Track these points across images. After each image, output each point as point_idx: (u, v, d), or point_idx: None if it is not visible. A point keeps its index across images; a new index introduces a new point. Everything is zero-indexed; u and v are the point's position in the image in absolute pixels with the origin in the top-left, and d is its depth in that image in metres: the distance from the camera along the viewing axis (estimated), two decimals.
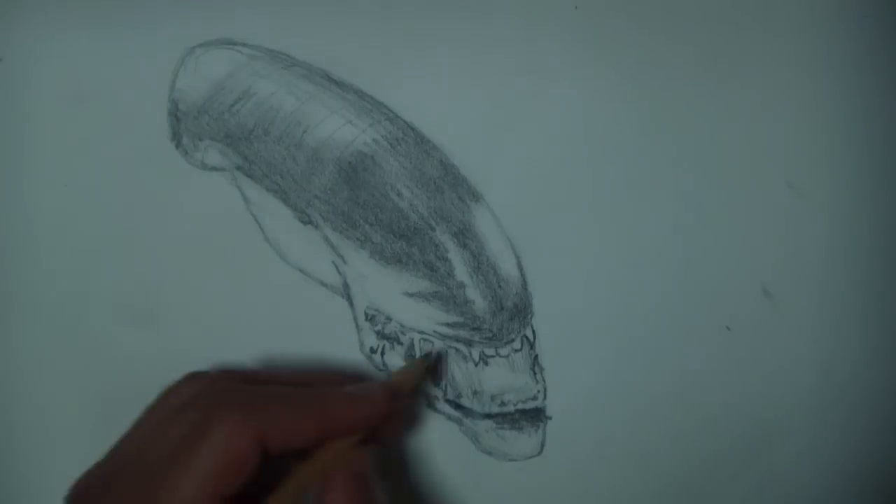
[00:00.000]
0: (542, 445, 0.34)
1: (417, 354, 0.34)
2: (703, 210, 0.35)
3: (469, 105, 0.35)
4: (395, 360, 0.34)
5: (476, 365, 0.34)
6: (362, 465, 0.28)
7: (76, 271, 0.34)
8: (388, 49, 0.35)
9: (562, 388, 0.34)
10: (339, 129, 0.34)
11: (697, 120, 0.35)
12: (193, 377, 0.30)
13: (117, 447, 0.28)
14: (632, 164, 0.35)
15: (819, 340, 0.35)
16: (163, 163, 0.34)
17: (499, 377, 0.34)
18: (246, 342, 0.34)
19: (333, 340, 0.34)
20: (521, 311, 0.34)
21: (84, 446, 0.34)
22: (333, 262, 0.34)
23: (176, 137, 0.34)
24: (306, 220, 0.34)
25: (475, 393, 0.34)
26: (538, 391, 0.34)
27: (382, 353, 0.34)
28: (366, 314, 0.34)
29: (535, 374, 0.34)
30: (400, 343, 0.34)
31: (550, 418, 0.34)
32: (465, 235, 0.34)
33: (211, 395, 0.27)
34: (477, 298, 0.34)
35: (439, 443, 0.34)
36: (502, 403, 0.34)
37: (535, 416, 0.34)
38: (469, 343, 0.34)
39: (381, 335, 0.34)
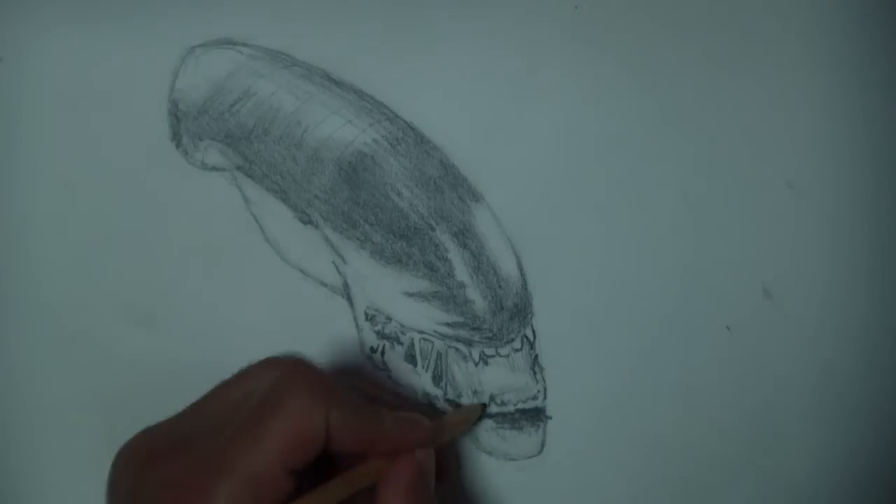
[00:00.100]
0: (542, 445, 0.34)
1: (418, 354, 0.34)
2: (703, 210, 0.35)
3: (469, 105, 0.35)
4: (396, 360, 0.34)
5: (476, 365, 0.34)
6: (427, 458, 0.29)
7: (76, 271, 0.34)
8: (388, 49, 0.35)
9: (562, 388, 0.34)
10: (339, 128, 0.34)
11: (697, 120, 0.35)
12: (268, 363, 0.30)
13: (187, 414, 0.29)
14: (632, 164, 0.35)
15: (819, 340, 0.35)
16: (163, 163, 0.34)
17: (499, 377, 0.34)
18: (246, 342, 0.34)
19: (333, 340, 0.34)
20: (521, 311, 0.34)
21: (85, 446, 0.34)
22: (333, 262, 0.34)
23: (176, 137, 0.34)
24: (306, 220, 0.34)
25: (475, 393, 0.34)
26: (538, 391, 0.34)
27: (382, 353, 0.34)
28: (366, 314, 0.34)
29: (535, 373, 0.34)
30: (400, 343, 0.34)
31: (550, 418, 0.34)
32: (465, 235, 0.34)
33: (287, 373, 0.28)
34: (477, 298, 0.34)
35: None
36: (502, 403, 0.34)
37: (535, 415, 0.34)
38: (469, 343, 0.34)
39: (381, 335, 0.34)
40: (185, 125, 0.34)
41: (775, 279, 0.35)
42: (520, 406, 0.34)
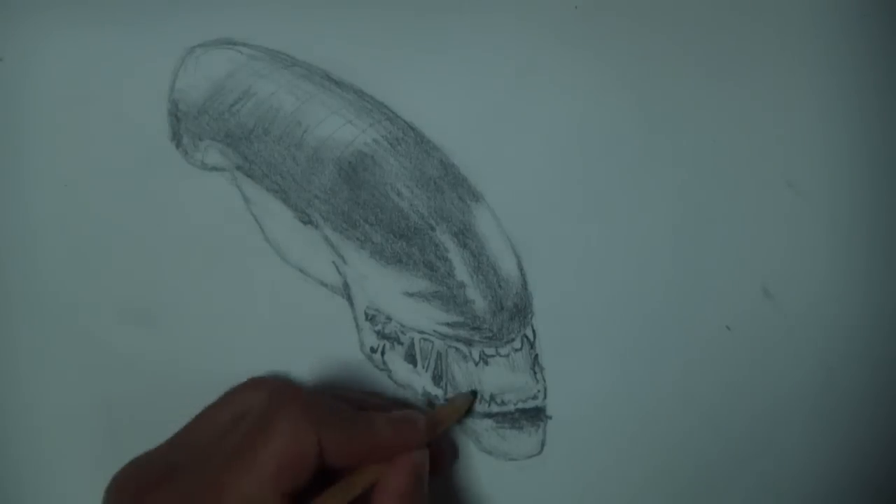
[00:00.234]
0: (543, 445, 0.34)
1: (418, 354, 0.34)
2: (703, 210, 0.35)
3: (469, 105, 0.35)
4: (396, 359, 0.34)
5: (476, 364, 0.34)
6: (422, 459, 0.29)
7: (76, 271, 0.34)
8: (388, 49, 0.35)
9: (562, 388, 0.34)
10: (339, 128, 0.34)
11: (697, 120, 0.35)
12: (253, 384, 0.30)
13: (176, 441, 0.29)
14: (632, 163, 0.35)
15: (819, 340, 0.35)
16: (163, 163, 0.34)
17: (499, 377, 0.34)
18: (246, 342, 0.34)
19: (333, 340, 0.34)
20: (522, 311, 0.34)
21: (85, 447, 0.34)
22: (333, 261, 0.34)
23: (176, 137, 0.34)
24: (306, 220, 0.34)
25: (475, 392, 0.34)
26: (538, 391, 0.34)
27: (382, 353, 0.34)
28: (366, 314, 0.34)
29: (535, 373, 0.34)
30: (400, 343, 0.34)
31: (550, 418, 0.34)
32: (465, 235, 0.34)
33: (272, 395, 0.28)
34: (477, 298, 0.34)
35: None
36: (502, 403, 0.34)
37: (535, 415, 0.34)
38: (469, 343, 0.34)
39: (381, 335, 0.34)
40: (185, 125, 0.34)
41: (775, 279, 0.35)
42: (520, 406, 0.34)
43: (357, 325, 0.34)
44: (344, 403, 0.29)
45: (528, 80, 0.35)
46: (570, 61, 0.35)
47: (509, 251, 0.34)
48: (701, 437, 0.35)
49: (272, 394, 0.28)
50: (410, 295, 0.34)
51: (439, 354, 0.34)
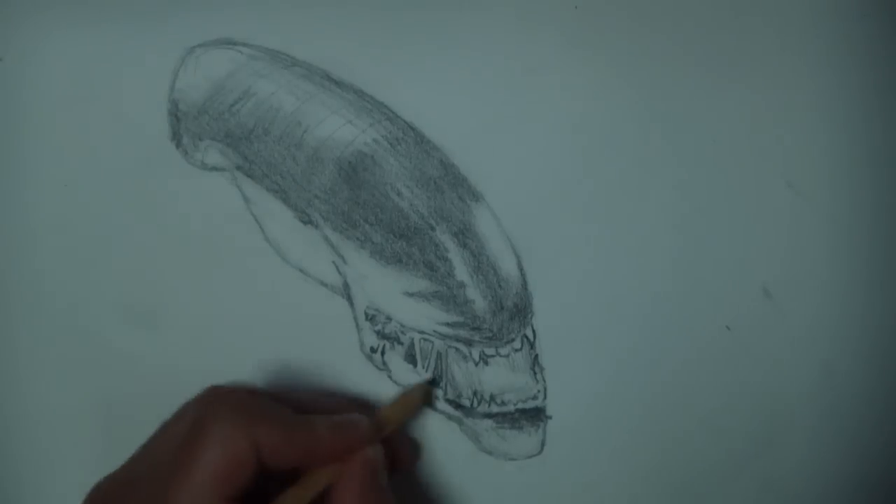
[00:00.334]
0: (543, 445, 0.34)
1: (418, 354, 0.34)
2: (703, 210, 0.35)
3: (469, 105, 0.35)
4: (396, 359, 0.34)
5: (476, 364, 0.34)
6: (375, 454, 0.29)
7: (76, 271, 0.34)
8: (388, 49, 0.35)
9: (562, 388, 0.34)
10: (339, 128, 0.34)
11: (697, 120, 0.35)
12: (209, 390, 0.30)
13: (135, 456, 0.29)
14: (632, 163, 0.35)
15: (819, 340, 0.35)
16: (163, 163, 0.34)
17: (499, 377, 0.34)
18: (246, 342, 0.34)
19: (333, 340, 0.34)
20: (522, 311, 0.34)
21: (85, 447, 0.34)
22: (333, 261, 0.34)
23: (176, 137, 0.34)
24: (306, 220, 0.34)
25: (475, 392, 0.34)
26: (538, 391, 0.34)
27: (382, 353, 0.34)
28: (366, 314, 0.34)
29: (535, 373, 0.34)
30: (400, 343, 0.34)
31: (550, 418, 0.34)
32: (465, 235, 0.34)
33: (206, 402, 0.28)
34: (477, 298, 0.34)
35: (439, 442, 0.34)
36: (502, 403, 0.34)
37: (535, 415, 0.34)
38: (469, 343, 0.34)
39: (381, 335, 0.34)
40: (185, 125, 0.34)
41: (775, 279, 0.35)
42: (520, 406, 0.34)
43: (357, 325, 0.34)
44: (284, 405, 0.29)
45: (528, 80, 0.35)
46: (570, 61, 0.35)
47: (509, 251, 0.34)
48: (701, 437, 0.35)
49: (205, 399, 0.28)
50: (410, 295, 0.34)
51: (439, 354, 0.34)
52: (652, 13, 0.35)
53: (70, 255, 0.34)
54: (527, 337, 0.34)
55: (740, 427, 0.35)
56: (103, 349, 0.34)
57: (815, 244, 0.35)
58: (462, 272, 0.34)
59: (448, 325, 0.34)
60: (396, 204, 0.34)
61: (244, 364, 0.34)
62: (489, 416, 0.34)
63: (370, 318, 0.34)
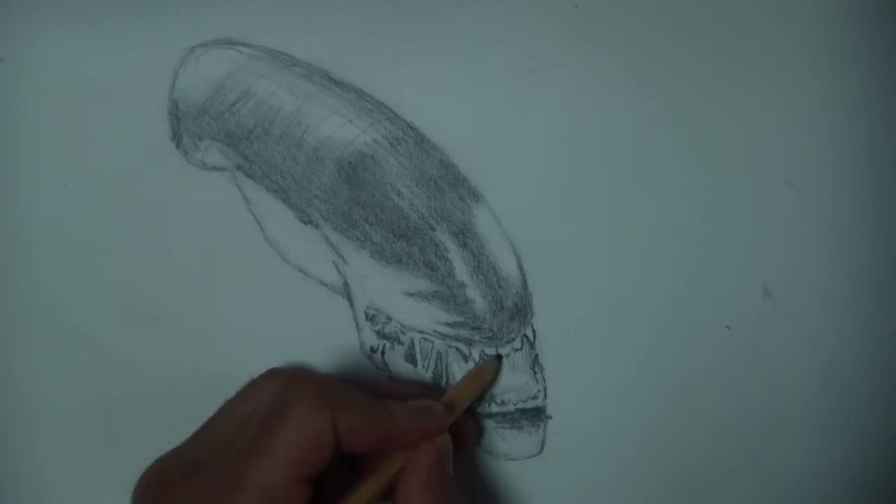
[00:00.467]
0: (543, 445, 0.34)
1: (418, 354, 0.34)
2: (703, 209, 0.35)
3: (469, 105, 0.35)
4: (396, 359, 0.34)
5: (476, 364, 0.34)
6: (444, 444, 0.29)
7: (76, 271, 0.34)
8: (388, 49, 0.35)
9: (562, 388, 0.34)
10: (340, 128, 0.34)
11: (697, 119, 0.35)
12: (273, 372, 0.30)
13: (196, 438, 0.29)
14: (632, 163, 0.35)
15: (820, 340, 0.35)
16: (163, 162, 0.34)
17: (499, 376, 0.34)
18: (246, 342, 0.34)
19: (333, 340, 0.34)
20: (522, 311, 0.34)
21: (85, 447, 0.34)
22: (333, 261, 0.34)
23: (176, 137, 0.34)
24: (306, 220, 0.34)
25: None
26: (538, 390, 0.34)
27: (383, 353, 0.34)
28: (366, 314, 0.34)
29: (535, 373, 0.34)
30: (400, 343, 0.34)
31: (551, 417, 0.34)
32: (465, 235, 0.34)
33: (285, 382, 0.28)
34: (477, 298, 0.34)
35: None
36: (502, 403, 0.34)
37: (535, 415, 0.34)
38: (469, 342, 0.34)
39: (381, 335, 0.34)
40: (185, 125, 0.34)
41: (776, 279, 0.35)
42: (520, 406, 0.34)
43: (357, 325, 0.34)
44: (360, 390, 0.29)
45: (528, 80, 0.35)
46: (569, 61, 0.35)
47: (509, 251, 0.34)
48: (701, 437, 0.35)
49: (284, 381, 0.28)
50: (410, 295, 0.34)
51: (439, 354, 0.34)
52: (652, 13, 0.35)
53: (70, 255, 0.34)
54: (527, 337, 0.34)
55: (741, 427, 0.35)
56: (103, 349, 0.34)
57: (816, 244, 0.35)
58: (462, 272, 0.34)
59: (448, 324, 0.34)
60: (396, 204, 0.34)
61: (244, 364, 0.33)
62: (489, 416, 0.34)
63: (370, 318, 0.34)
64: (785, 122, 0.35)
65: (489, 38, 0.35)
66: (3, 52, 0.34)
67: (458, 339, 0.34)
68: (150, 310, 0.34)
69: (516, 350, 0.34)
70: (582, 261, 0.35)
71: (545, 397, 0.34)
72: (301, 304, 0.34)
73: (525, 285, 0.34)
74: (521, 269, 0.34)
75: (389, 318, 0.34)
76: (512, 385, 0.34)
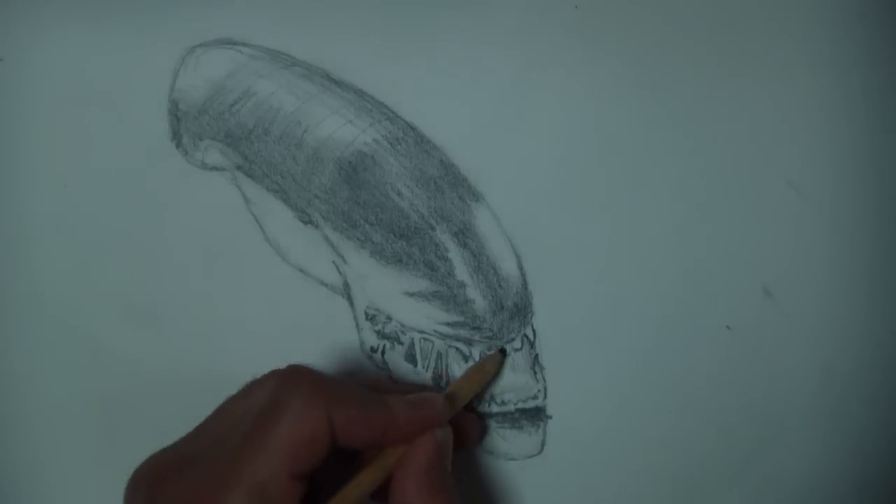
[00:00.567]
0: (543, 445, 0.34)
1: (418, 354, 0.34)
2: (703, 209, 0.35)
3: (469, 104, 0.35)
4: (396, 359, 0.34)
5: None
6: (443, 437, 0.29)
7: (76, 271, 0.34)
8: (388, 49, 0.35)
9: (562, 388, 0.34)
10: (340, 128, 0.34)
11: (697, 119, 0.35)
12: (275, 373, 0.30)
13: (195, 433, 0.29)
14: (631, 163, 0.35)
15: (820, 340, 0.35)
16: (163, 162, 0.34)
17: (499, 376, 0.34)
18: (246, 342, 0.34)
19: (333, 340, 0.34)
20: (522, 311, 0.34)
21: (85, 447, 0.34)
22: (334, 261, 0.34)
23: (176, 137, 0.34)
24: (306, 220, 0.34)
25: (475, 393, 0.34)
26: (538, 390, 0.34)
27: (383, 353, 0.34)
28: (366, 314, 0.34)
29: (535, 373, 0.34)
30: (400, 343, 0.34)
31: (551, 417, 0.34)
32: (465, 235, 0.34)
33: (284, 379, 0.27)
34: (477, 298, 0.34)
35: None
36: (502, 402, 0.34)
37: (535, 415, 0.34)
38: (469, 342, 0.34)
39: (381, 335, 0.34)
40: (185, 125, 0.34)
41: (776, 279, 0.35)
42: (520, 405, 0.34)
43: (357, 325, 0.34)
44: (360, 385, 0.29)
45: (529, 80, 0.35)
46: (569, 61, 0.35)
47: (509, 251, 0.34)
48: (701, 437, 0.35)
49: (282, 378, 0.28)
50: (410, 295, 0.34)
51: (439, 354, 0.34)
52: (652, 13, 0.35)
53: (70, 255, 0.34)
54: (527, 336, 0.34)
55: (740, 427, 0.35)
56: (103, 349, 0.34)
57: (816, 244, 0.35)
58: (462, 272, 0.34)
59: (448, 324, 0.34)
60: (396, 204, 0.34)
61: (244, 364, 0.33)
62: (489, 415, 0.34)
63: (370, 318, 0.34)
64: (785, 122, 0.35)
65: (489, 38, 0.35)
66: (3, 52, 0.34)
67: (458, 338, 0.34)
68: (150, 310, 0.34)
69: (516, 350, 0.34)
70: (582, 261, 0.35)
71: (545, 397, 0.34)
72: (301, 304, 0.34)
73: (525, 285, 0.34)
74: (521, 269, 0.34)
75: (389, 318, 0.34)
76: (512, 385, 0.34)
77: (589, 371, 0.34)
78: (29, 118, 0.34)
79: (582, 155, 0.35)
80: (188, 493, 0.25)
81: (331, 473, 0.27)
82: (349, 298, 0.34)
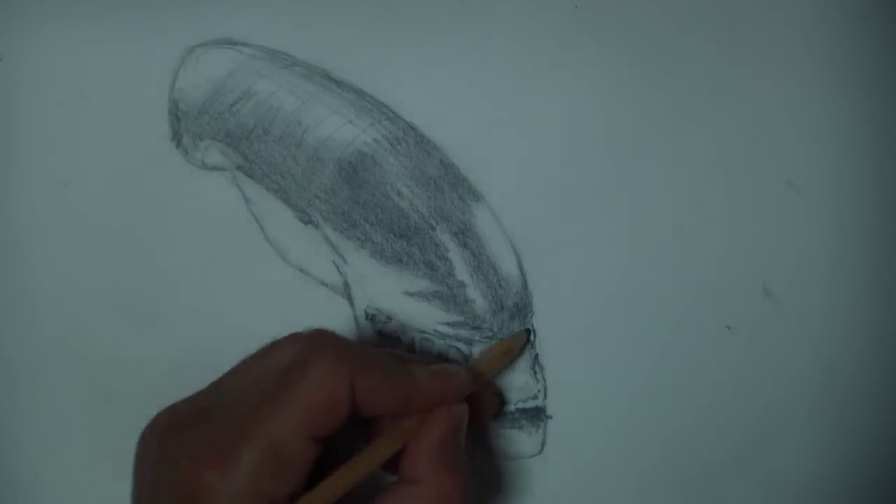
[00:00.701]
0: (543, 445, 0.34)
1: (418, 354, 0.34)
2: (703, 209, 0.35)
3: (469, 105, 0.35)
4: None
5: None
6: (461, 412, 0.28)
7: (76, 271, 0.34)
8: (388, 49, 0.35)
9: (562, 388, 0.34)
10: (340, 128, 0.34)
11: (697, 119, 0.35)
12: (296, 336, 0.30)
13: (211, 388, 0.28)
14: (632, 163, 0.35)
15: (820, 340, 0.35)
16: (163, 162, 0.34)
17: (499, 376, 0.34)
18: (246, 342, 0.34)
19: None
20: (522, 311, 0.34)
21: (84, 446, 0.34)
22: (334, 261, 0.34)
23: (176, 137, 0.34)
24: (307, 220, 0.34)
25: None
26: (538, 390, 0.34)
27: None
28: (366, 314, 0.34)
29: (535, 373, 0.34)
30: (400, 342, 0.34)
31: (551, 417, 0.34)
32: (465, 235, 0.34)
33: (309, 342, 0.27)
34: (477, 298, 0.34)
35: None
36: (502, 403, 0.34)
37: (535, 415, 0.34)
38: (469, 342, 0.34)
39: (381, 335, 0.34)
40: (185, 125, 0.34)
41: (776, 278, 0.35)
42: (520, 405, 0.34)
43: (357, 325, 0.34)
44: (385, 353, 0.28)
45: (529, 80, 0.35)
46: (570, 61, 0.35)
47: (509, 251, 0.34)
48: (701, 437, 0.35)
49: (307, 340, 0.27)
50: (411, 294, 0.34)
51: (440, 354, 0.34)
52: (652, 13, 0.35)
53: (70, 255, 0.34)
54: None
55: (741, 427, 0.35)
56: (103, 348, 0.34)
57: (816, 243, 0.35)
58: (462, 272, 0.34)
59: (448, 324, 0.34)
60: (397, 204, 0.34)
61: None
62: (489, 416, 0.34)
63: (370, 318, 0.34)
64: (785, 122, 0.35)
65: (489, 38, 0.35)
66: (3, 51, 0.34)
67: (458, 338, 0.34)
68: (150, 309, 0.34)
69: None
70: (582, 261, 0.35)
71: (545, 397, 0.34)
72: (301, 304, 0.34)
73: (525, 285, 0.34)
74: (521, 268, 0.34)
75: (389, 318, 0.34)
76: (512, 385, 0.34)
77: (589, 371, 0.34)
78: (29, 118, 0.34)
79: (582, 155, 0.35)
80: (201, 441, 0.25)
81: (345, 440, 0.27)
82: (349, 298, 0.34)
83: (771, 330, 0.35)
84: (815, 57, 0.35)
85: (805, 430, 0.35)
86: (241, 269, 0.34)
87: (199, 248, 0.34)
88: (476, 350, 0.34)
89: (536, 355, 0.34)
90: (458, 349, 0.34)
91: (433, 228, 0.34)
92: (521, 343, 0.33)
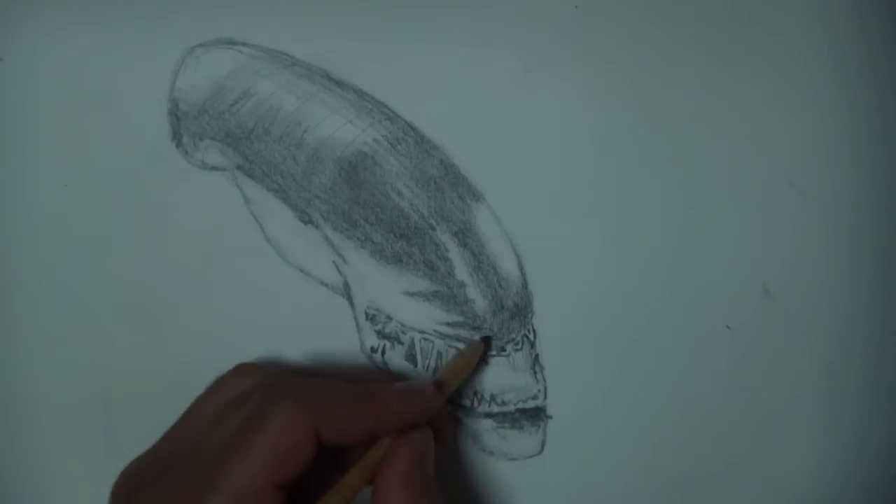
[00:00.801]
0: (543, 445, 0.34)
1: (418, 354, 0.34)
2: (703, 209, 0.35)
3: (469, 105, 0.35)
4: (396, 359, 0.34)
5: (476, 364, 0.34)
6: (424, 437, 0.28)
7: (76, 271, 0.34)
8: (388, 49, 0.35)
9: (562, 388, 0.34)
10: (340, 128, 0.34)
11: (697, 119, 0.35)
12: (243, 370, 0.30)
13: (170, 436, 0.29)
14: (632, 163, 0.35)
15: (820, 340, 0.35)
16: (163, 162, 0.34)
17: (499, 376, 0.34)
18: (246, 342, 0.34)
19: (333, 340, 0.34)
20: (522, 311, 0.34)
21: (85, 446, 0.34)
22: (334, 261, 0.34)
23: (176, 137, 0.34)
24: (307, 220, 0.34)
25: (475, 392, 0.34)
26: (538, 390, 0.34)
27: (383, 353, 0.34)
28: (366, 314, 0.34)
29: (535, 373, 0.34)
30: (400, 342, 0.34)
31: (551, 417, 0.34)
32: (465, 235, 0.34)
33: (267, 385, 0.27)
34: (477, 298, 0.34)
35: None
36: (503, 402, 0.34)
37: (535, 415, 0.34)
38: (469, 343, 0.34)
39: (381, 335, 0.34)
40: (185, 125, 0.34)
41: (776, 278, 0.35)
42: (520, 405, 0.34)
43: (357, 325, 0.34)
44: (342, 382, 0.28)
45: (529, 80, 0.35)
46: (570, 61, 0.35)
47: (509, 251, 0.34)
48: (701, 437, 0.35)
49: (266, 386, 0.27)
50: (411, 294, 0.34)
51: (440, 354, 0.34)
52: (652, 13, 0.35)
53: (70, 255, 0.34)
54: (527, 336, 0.34)
55: (740, 427, 0.35)
56: (103, 348, 0.34)
57: (816, 243, 0.35)
58: (462, 272, 0.34)
59: (448, 324, 0.34)
60: (397, 204, 0.34)
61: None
62: (489, 415, 0.34)
63: (370, 318, 0.34)
64: (785, 121, 0.35)
65: (489, 38, 0.35)
66: (3, 52, 0.34)
67: (458, 338, 0.34)
68: (151, 309, 0.34)
69: (516, 350, 0.34)
70: (582, 261, 0.35)
71: (545, 397, 0.34)
72: (301, 304, 0.34)
73: (525, 285, 0.34)
74: (521, 268, 0.34)
75: (389, 318, 0.34)
76: (512, 385, 0.34)
77: (589, 371, 0.34)
78: (29, 118, 0.34)
79: (582, 155, 0.35)
80: (168, 498, 0.25)
81: (316, 472, 0.27)
82: (349, 298, 0.34)
83: (771, 330, 0.35)
84: (815, 57, 0.35)
85: (804, 429, 0.35)
86: (241, 269, 0.34)
87: (200, 248, 0.34)
88: None
89: (536, 355, 0.34)
90: (458, 349, 0.34)
91: (433, 228, 0.34)
92: (479, 352, 0.33)
